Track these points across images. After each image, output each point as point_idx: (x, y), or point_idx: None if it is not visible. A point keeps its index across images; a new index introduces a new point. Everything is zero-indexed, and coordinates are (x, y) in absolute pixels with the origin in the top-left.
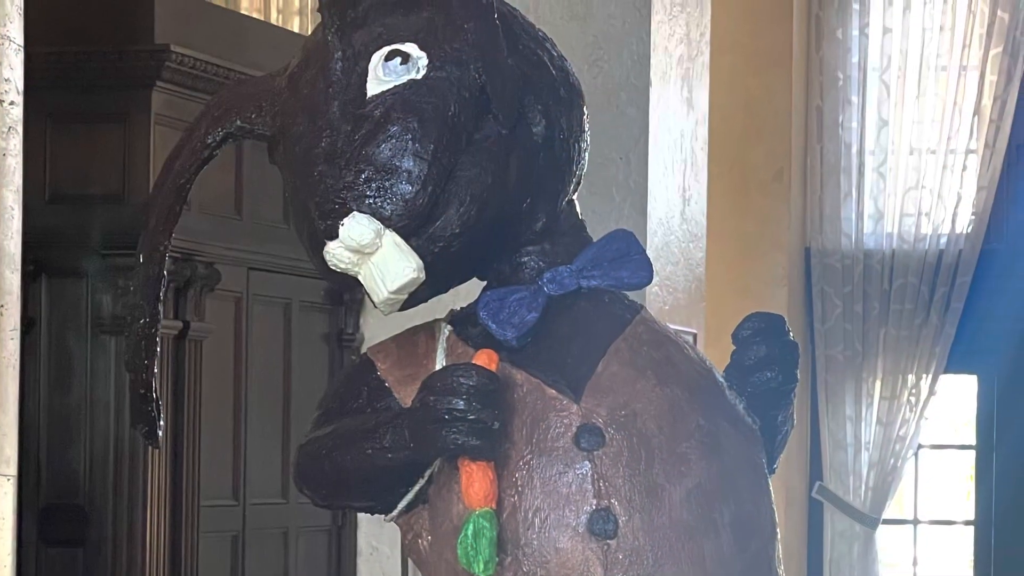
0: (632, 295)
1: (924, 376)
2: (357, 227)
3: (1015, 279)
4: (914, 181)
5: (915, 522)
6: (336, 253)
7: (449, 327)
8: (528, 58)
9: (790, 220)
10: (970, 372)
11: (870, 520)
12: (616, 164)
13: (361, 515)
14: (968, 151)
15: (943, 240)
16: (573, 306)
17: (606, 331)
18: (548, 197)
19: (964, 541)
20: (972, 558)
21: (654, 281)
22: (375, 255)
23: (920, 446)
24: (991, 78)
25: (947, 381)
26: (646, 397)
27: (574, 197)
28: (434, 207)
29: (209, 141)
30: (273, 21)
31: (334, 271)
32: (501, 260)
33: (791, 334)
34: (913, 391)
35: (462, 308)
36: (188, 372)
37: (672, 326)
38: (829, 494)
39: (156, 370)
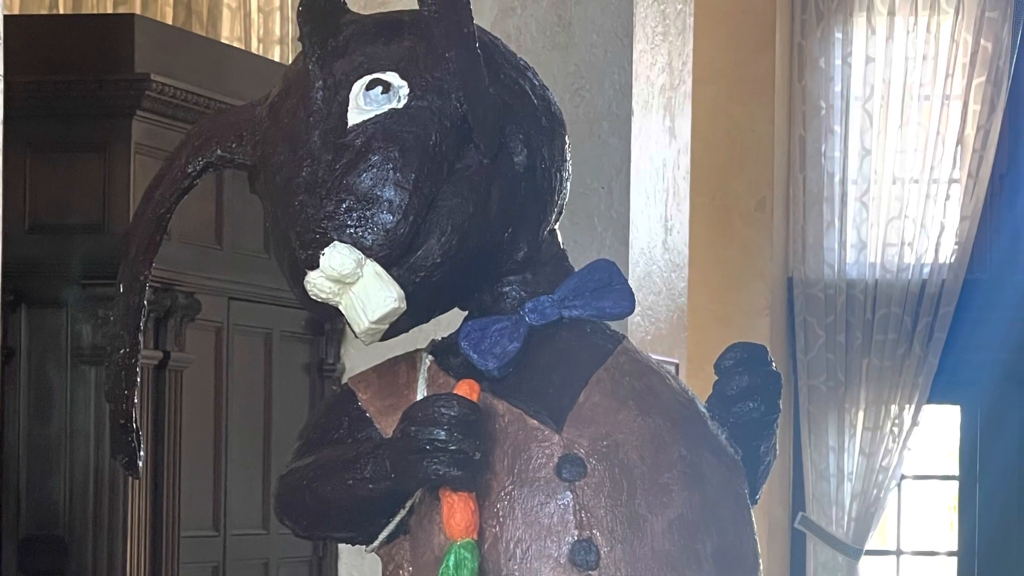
0: (614, 325)
1: (907, 406)
2: (338, 257)
3: (998, 309)
4: (897, 211)
5: (898, 553)
6: (317, 283)
7: (430, 357)
8: (510, 87)
9: (772, 250)
10: (953, 403)
11: (853, 551)
12: (598, 193)
13: (342, 546)
14: (951, 180)
15: (926, 270)
16: (555, 336)
17: (588, 361)
18: (530, 227)
19: (947, 572)
20: None
21: (636, 311)
22: (356, 285)
23: (903, 477)
24: (974, 107)
25: (930, 411)
26: (628, 427)
27: (556, 227)
28: (415, 237)
29: (189, 170)
30: (254, 50)
31: (315, 301)
32: (482, 290)
33: (774, 364)
34: (896, 421)
35: (443, 338)
36: (168, 402)
37: (654, 356)
38: (812, 525)
39: (136, 400)
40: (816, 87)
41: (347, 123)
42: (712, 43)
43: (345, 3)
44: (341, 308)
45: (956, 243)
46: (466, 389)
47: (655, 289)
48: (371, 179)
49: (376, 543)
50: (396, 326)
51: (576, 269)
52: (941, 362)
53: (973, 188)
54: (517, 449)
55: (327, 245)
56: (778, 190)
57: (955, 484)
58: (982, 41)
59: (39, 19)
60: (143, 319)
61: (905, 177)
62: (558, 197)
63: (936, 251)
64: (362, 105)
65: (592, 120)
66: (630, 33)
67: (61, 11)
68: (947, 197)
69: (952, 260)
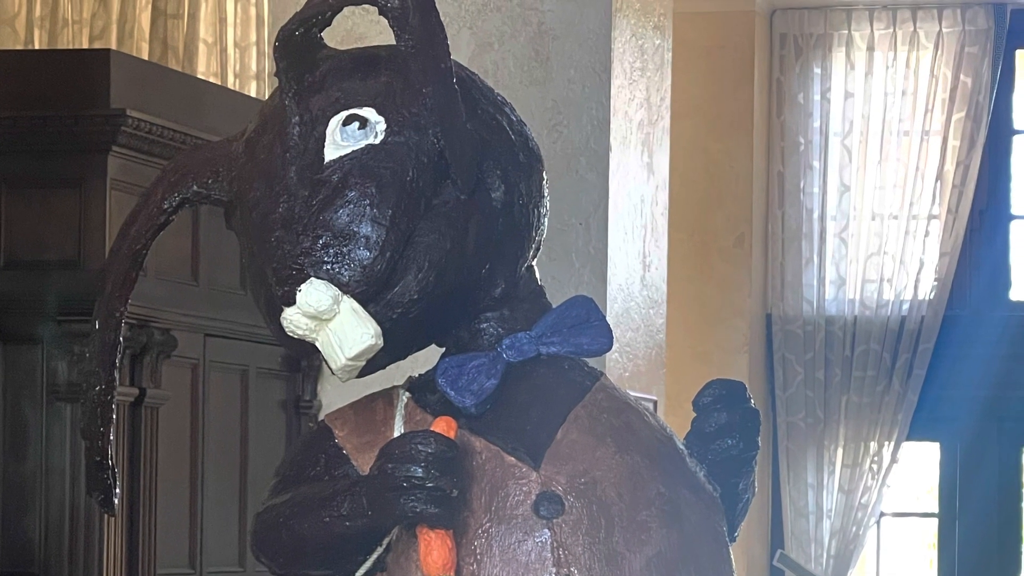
0: (592, 361)
1: (886, 443)
2: (315, 293)
3: (977, 346)
4: (876, 247)
5: None
6: (293, 319)
7: (407, 394)
8: (487, 123)
9: (751, 286)
10: (932, 439)
11: None
12: (576, 230)
13: None
14: (931, 216)
15: (905, 306)
16: (532, 373)
17: (566, 398)
18: (507, 263)
19: None
20: None
21: (614, 348)
22: (333, 322)
23: (882, 514)
24: (954, 143)
25: (909, 448)
26: (606, 464)
27: (533, 263)
28: (392, 273)
29: (165, 207)
30: (230, 86)
31: (291, 338)
32: (459, 326)
33: (752, 401)
34: (875, 459)
35: (420, 375)
36: (144, 439)
37: (632, 393)
38: (790, 562)
39: (112, 437)
40: (795, 123)
41: (324, 159)
42: (691, 78)
43: (322, 38)
44: (318, 345)
45: (935, 279)
46: (443, 426)
47: (633, 325)
48: (348, 215)
49: None
50: (373, 362)
51: (554, 306)
52: (920, 399)
53: (952, 224)
54: (495, 486)
55: (304, 281)
56: (757, 226)
57: (935, 521)
58: (961, 76)
59: (14, 54)
60: (119, 355)
61: (884, 213)
62: (536, 233)
63: (916, 287)
64: (339, 141)
65: (570, 156)
66: (608, 68)
67: (37, 46)
68: (926, 233)
69: (932, 296)
